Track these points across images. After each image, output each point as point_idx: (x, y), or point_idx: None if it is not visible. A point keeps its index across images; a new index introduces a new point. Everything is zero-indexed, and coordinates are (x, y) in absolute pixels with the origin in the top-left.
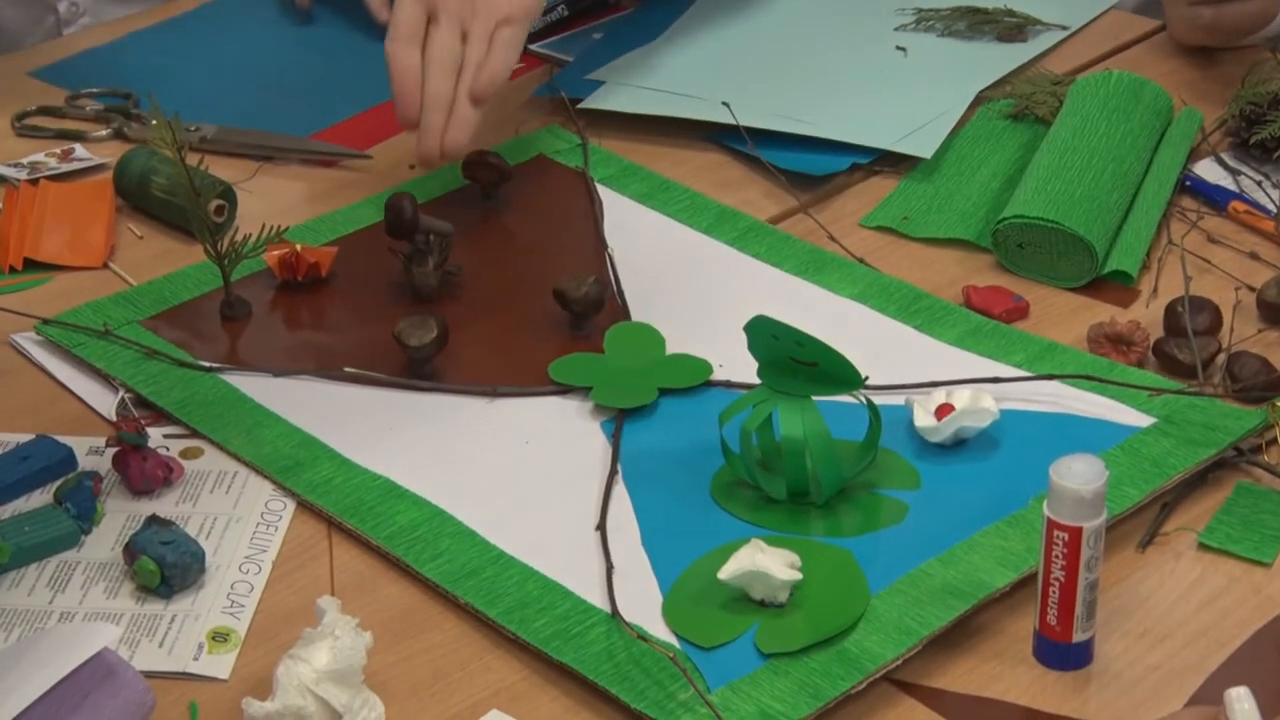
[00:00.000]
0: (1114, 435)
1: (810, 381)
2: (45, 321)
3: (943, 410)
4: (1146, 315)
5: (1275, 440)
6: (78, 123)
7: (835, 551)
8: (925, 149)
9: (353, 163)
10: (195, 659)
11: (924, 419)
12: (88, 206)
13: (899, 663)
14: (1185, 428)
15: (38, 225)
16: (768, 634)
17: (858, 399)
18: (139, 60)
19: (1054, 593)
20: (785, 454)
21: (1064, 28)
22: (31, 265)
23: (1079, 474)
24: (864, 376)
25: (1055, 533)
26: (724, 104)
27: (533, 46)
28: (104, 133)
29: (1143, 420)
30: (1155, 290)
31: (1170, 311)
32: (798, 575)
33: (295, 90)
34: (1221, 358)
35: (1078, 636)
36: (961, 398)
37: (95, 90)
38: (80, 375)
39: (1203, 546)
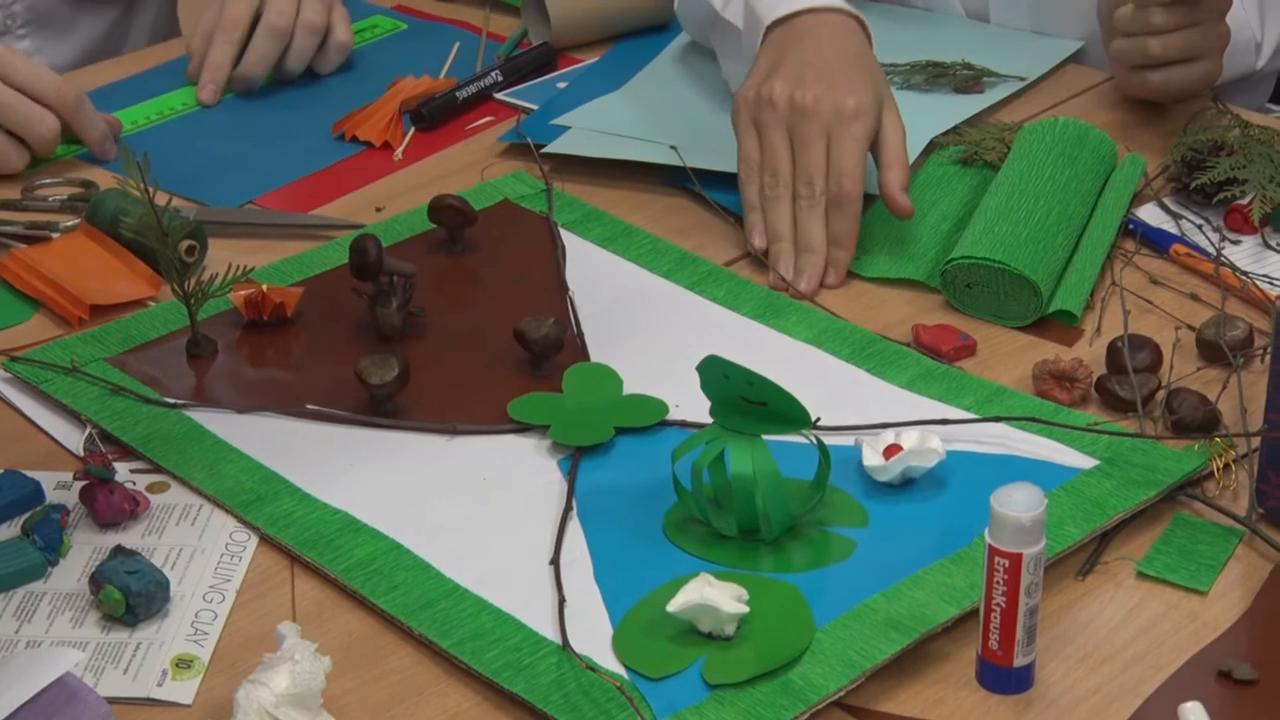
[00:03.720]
0: (1058, 476)
1: (760, 420)
2: (13, 358)
3: (891, 450)
4: (1090, 353)
5: (1212, 474)
6: (45, 214)
7: (782, 586)
8: (878, 189)
9: (321, 206)
10: (159, 685)
11: (872, 458)
12: (99, 247)
13: (842, 694)
14: (1127, 469)
15: (77, 274)
16: (714, 665)
17: (808, 438)
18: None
19: (995, 618)
20: (735, 491)
21: (1021, 79)
22: (95, 311)
23: (1019, 502)
24: (815, 417)
25: (996, 559)
26: (672, 147)
27: (498, 95)
28: (72, 223)
29: (1086, 462)
30: (1099, 329)
31: (1112, 349)
32: (744, 609)
33: (224, 159)
34: (1161, 394)
35: (1019, 661)
36: (909, 438)
37: (49, 180)
38: (48, 412)
39: (1141, 575)
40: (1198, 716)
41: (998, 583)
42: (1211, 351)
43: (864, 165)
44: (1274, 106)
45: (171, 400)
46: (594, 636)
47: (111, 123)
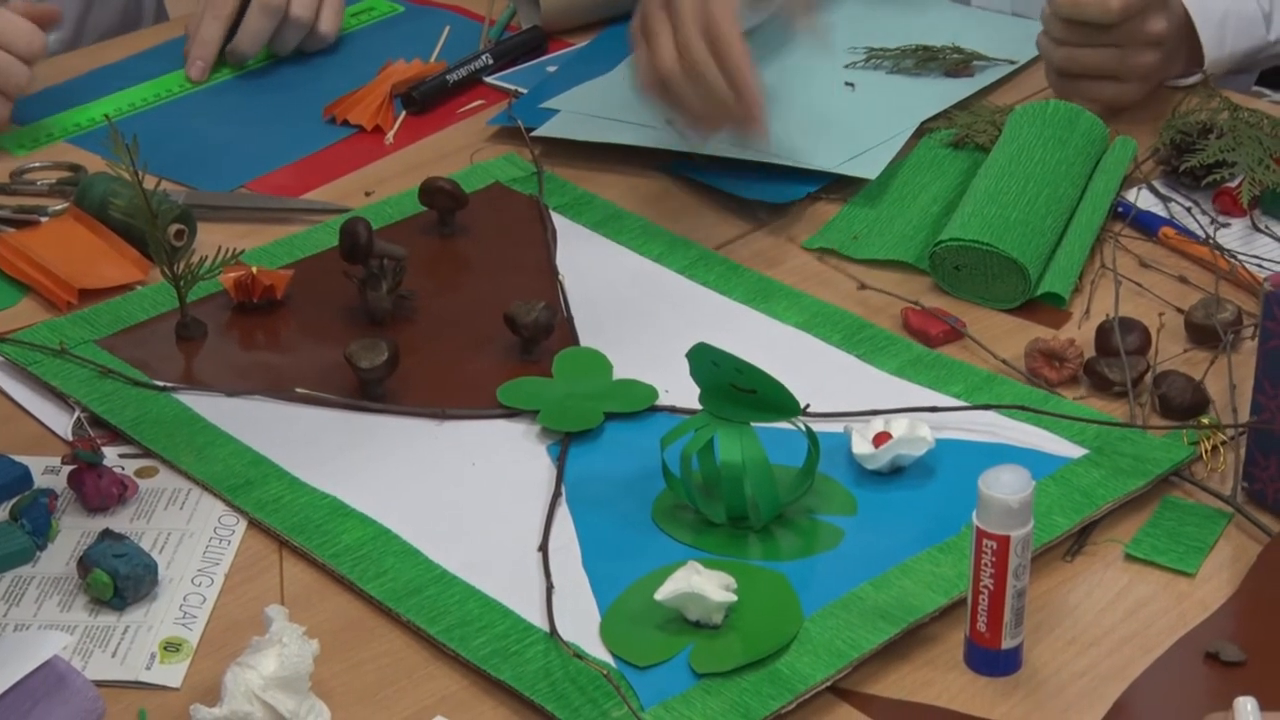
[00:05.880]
0: (1047, 465)
1: (750, 408)
2: (2, 339)
3: (880, 438)
4: (1079, 336)
5: (1200, 456)
6: (34, 198)
7: (770, 574)
8: (870, 171)
9: (312, 190)
10: (147, 668)
11: (862, 446)
12: (88, 231)
13: (829, 683)
14: (1116, 459)
15: (66, 258)
16: (702, 654)
17: (797, 426)
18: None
19: (983, 600)
20: (724, 479)
21: (1011, 62)
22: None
23: (1006, 484)
24: (804, 405)
25: (984, 541)
26: (668, 124)
27: (488, 79)
28: (61, 207)
29: (1075, 451)
30: (1087, 312)
31: (1101, 331)
32: (732, 597)
33: (216, 143)
34: (1150, 377)
35: (1007, 643)
36: (899, 426)
37: (38, 165)
38: (37, 397)
39: (1129, 557)
40: (1252, 707)
41: (985, 565)
42: (1200, 333)
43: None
44: (1263, 89)
45: (160, 383)
46: (582, 624)
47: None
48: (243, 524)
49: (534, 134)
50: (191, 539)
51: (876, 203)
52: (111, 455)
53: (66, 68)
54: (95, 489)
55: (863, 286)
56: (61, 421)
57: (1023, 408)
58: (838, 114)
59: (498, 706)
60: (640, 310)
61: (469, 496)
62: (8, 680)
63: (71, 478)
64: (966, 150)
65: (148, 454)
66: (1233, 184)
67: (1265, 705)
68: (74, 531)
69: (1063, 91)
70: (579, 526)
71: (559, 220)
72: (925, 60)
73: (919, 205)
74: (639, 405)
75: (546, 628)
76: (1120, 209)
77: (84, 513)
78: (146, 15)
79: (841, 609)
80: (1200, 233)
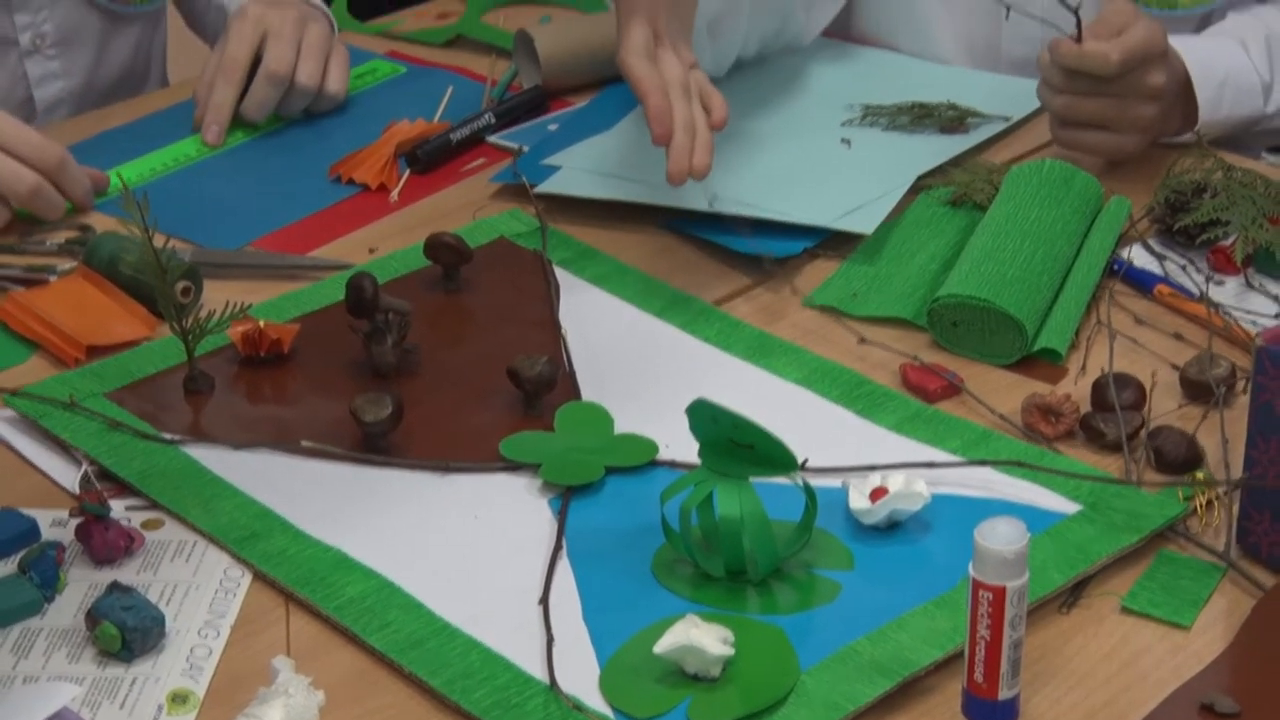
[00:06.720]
0: (1041, 521)
1: (748, 463)
2: (12, 393)
3: (877, 493)
4: (1075, 391)
5: (1195, 511)
6: (43, 258)
7: (768, 628)
8: (867, 226)
9: (318, 248)
10: None
11: (859, 501)
12: (97, 290)
13: None
14: (1110, 514)
15: (75, 316)
16: (700, 707)
17: (795, 481)
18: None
19: (980, 651)
20: (723, 533)
21: (1005, 119)
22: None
23: (1002, 535)
24: (802, 460)
25: (980, 593)
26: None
27: (490, 138)
28: (70, 266)
29: (1069, 506)
30: (1083, 368)
31: (1097, 387)
32: (730, 650)
33: (224, 202)
34: (1144, 432)
35: (1003, 694)
36: (895, 481)
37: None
38: (45, 450)
39: (1125, 610)
40: None
41: (982, 616)
42: (1194, 389)
43: None
44: (1270, 156)
45: (168, 436)
46: (581, 676)
47: (97, 179)
48: (248, 576)
49: (537, 190)
50: (198, 591)
51: (875, 260)
52: (119, 508)
53: (76, 131)
54: (102, 541)
55: (862, 340)
56: (69, 475)
57: (1018, 464)
58: (834, 171)
59: None
60: (641, 365)
61: (471, 549)
62: None
63: (79, 530)
64: (964, 208)
65: (154, 506)
66: (1227, 242)
67: None
68: (82, 584)
69: (1063, 140)
70: (579, 580)
71: (561, 275)
72: (920, 117)
73: (917, 263)
74: (639, 460)
75: (547, 680)
76: (1116, 266)
77: (91, 565)
78: (154, 74)
79: (838, 663)
80: (1195, 290)
